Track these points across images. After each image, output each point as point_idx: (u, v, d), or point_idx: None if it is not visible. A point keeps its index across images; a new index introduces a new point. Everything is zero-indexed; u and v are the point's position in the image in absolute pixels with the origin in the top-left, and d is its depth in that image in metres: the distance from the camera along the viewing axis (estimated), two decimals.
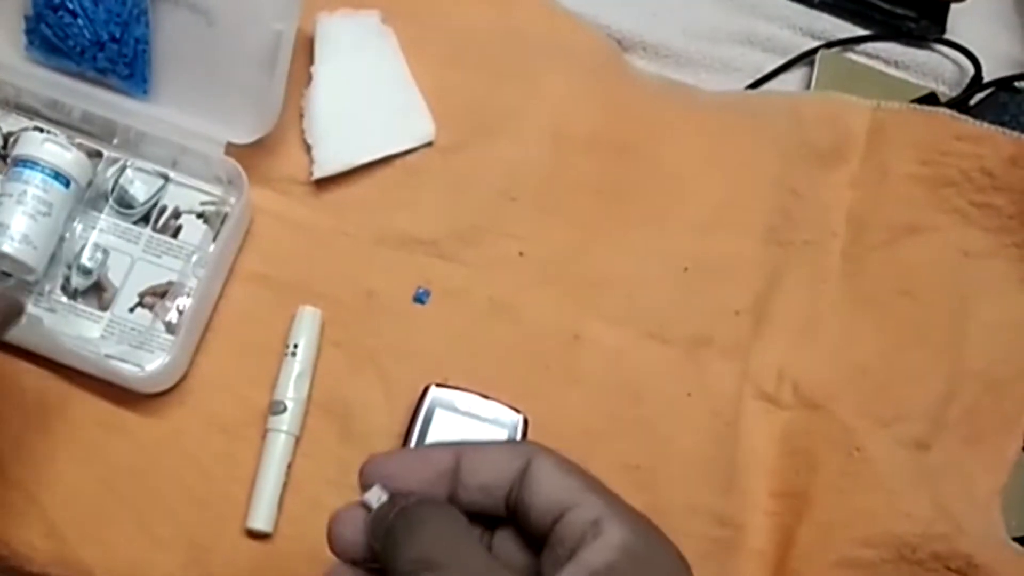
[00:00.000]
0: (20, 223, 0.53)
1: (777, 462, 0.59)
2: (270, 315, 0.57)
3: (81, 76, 0.58)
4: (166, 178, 0.59)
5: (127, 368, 0.54)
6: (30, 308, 0.55)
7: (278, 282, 0.58)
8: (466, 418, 0.55)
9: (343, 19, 0.62)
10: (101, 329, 0.56)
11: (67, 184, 0.55)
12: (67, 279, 0.56)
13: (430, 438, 0.54)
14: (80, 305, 0.56)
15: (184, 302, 0.56)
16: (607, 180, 0.62)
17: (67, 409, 0.54)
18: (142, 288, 0.56)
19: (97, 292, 0.56)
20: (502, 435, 0.54)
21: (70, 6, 0.56)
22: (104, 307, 0.56)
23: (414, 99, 0.61)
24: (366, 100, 0.61)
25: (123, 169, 0.59)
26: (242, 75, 0.57)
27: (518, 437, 0.54)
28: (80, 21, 0.56)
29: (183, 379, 0.55)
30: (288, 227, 0.59)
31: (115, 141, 0.59)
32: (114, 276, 0.57)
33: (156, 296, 0.56)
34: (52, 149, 0.55)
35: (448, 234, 0.60)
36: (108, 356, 0.54)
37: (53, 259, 0.56)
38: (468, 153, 0.61)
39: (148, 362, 0.54)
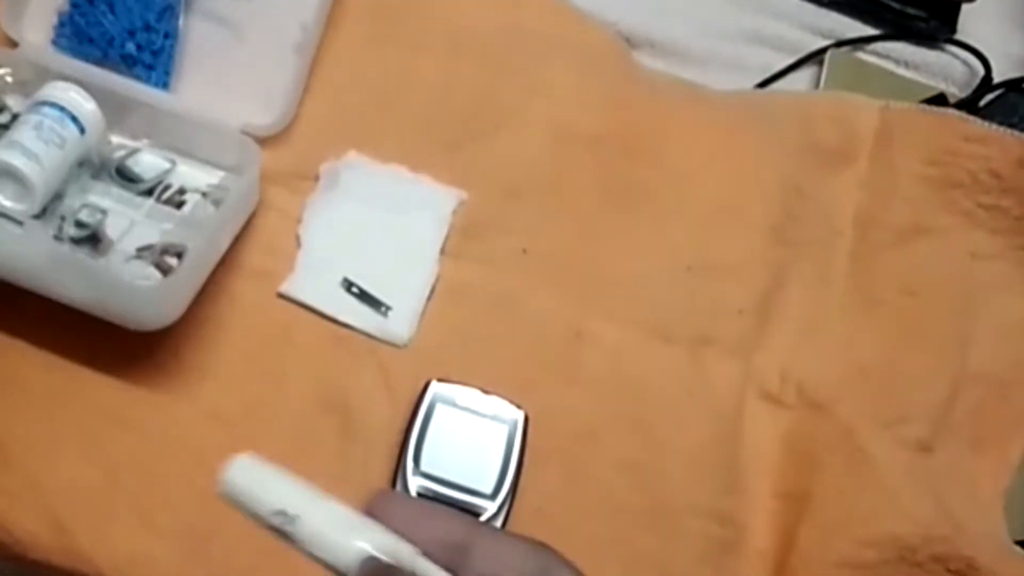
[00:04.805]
0: (32, 143, 0.54)
1: (780, 462, 0.58)
2: (273, 311, 0.57)
3: (103, 67, 0.59)
4: (176, 161, 0.59)
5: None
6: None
7: (281, 279, 0.58)
8: (467, 413, 0.55)
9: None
10: None
11: (82, 131, 0.56)
12: (60, 229, 0.56)
13: (431, 434, 0.54)
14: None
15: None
16: (612, 178, 0.62)
17: (73, 401, 0.54)
18: (140, 244, 0.56)
19: (92, 242, 0.56)
20: (502, 431, 0.55)
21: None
22: (99, 256, 0.55)
23: (424, 191, 0.61)
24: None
25: (135, 151, 0.59)
26: (260, 76, 0.59)
27: (519, 433, 0.55)
28: (116, 14, 0.58)
29: (188, 374, 0.55)
30: (293, 223, 0.59)
31: (130, 121, 0.59)
32: (111, 232, 0.56)
33: (154, 252, 0.55)
34: (74, 96, 0.56)
35: (451, 229, 0.60)
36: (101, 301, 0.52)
37: (50, 210, 0.55)
38: (472, 149, 0.62)
39: (142, 310, 0.52)
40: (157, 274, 0.54)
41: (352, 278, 0.58)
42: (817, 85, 0.71)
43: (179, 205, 0.58)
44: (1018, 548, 0.58)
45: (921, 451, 0.59)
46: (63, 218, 0.56)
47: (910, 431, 0.59)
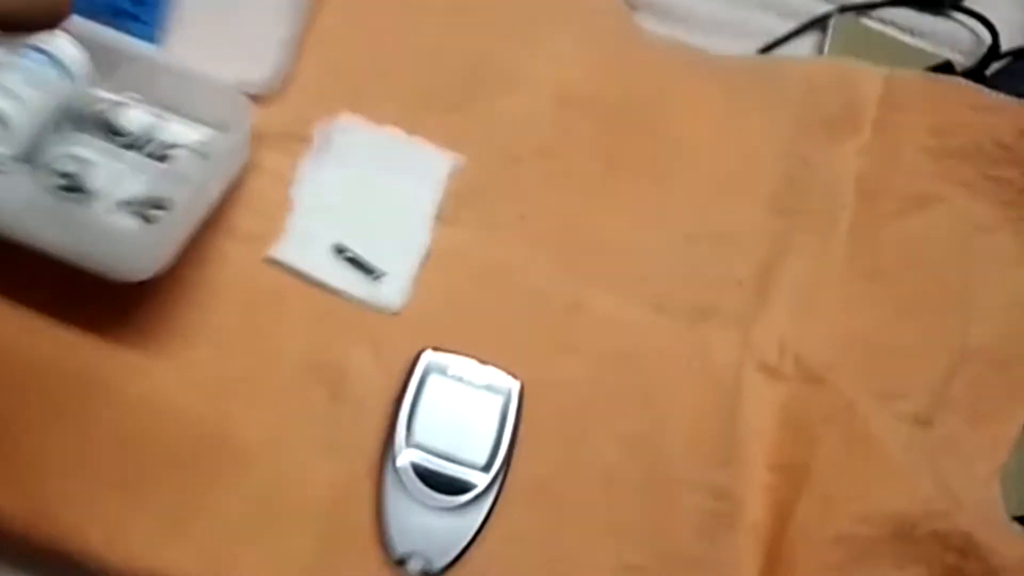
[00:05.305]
0: (14, 84, 0.52)
1: (776, 435, 0.58)
2: (262, 276, 0.56)
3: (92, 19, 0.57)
4: (164, 117, 0.57)
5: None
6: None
7: (270, 243, 0.56)
8: (460, 383, 0.54)
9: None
10: None
11: (67, 77, 0.54)
12: (42, 178, 0.53)
13: (423, 404, 0.53)
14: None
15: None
16: (612, 144, 0.61)
17: (51, 365, 0.53)
18: (124, 196, 0.54)
19: (75, 192, 0.54)
20: (497, 402, 0.53)
21: None
22: (82, 206, 0.54)
23: (420, 155, 0.59)
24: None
25: (121, 104, 0.57)
26: (253, 33, 0.57)
27: (514, 404, 0.54)
28: None
29: (172, 340, 0.54)
30: (283, 186, 0.58)
31: (117, 75, 0.57)
32: (94, 183, 0.54)
33: (138, 203, 0.54)
34: (60, 42, 0.54)
35: (446, 194, 0.58)
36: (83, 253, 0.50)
37: (32, 159, 0.53)
38: (468, 112, 0.60)
39: (124, 257, 0.50)
40: (141, 225, 0.53)
41: (344, 243, 0.56)
42: (821, 51, 0.69)
43: (165, 159, 0.56)
44: (1016, 524, 0.57)
45: (919, 425, 0.58)
46: (45, 167, 0.54)
47: (909, 405, 0.58)
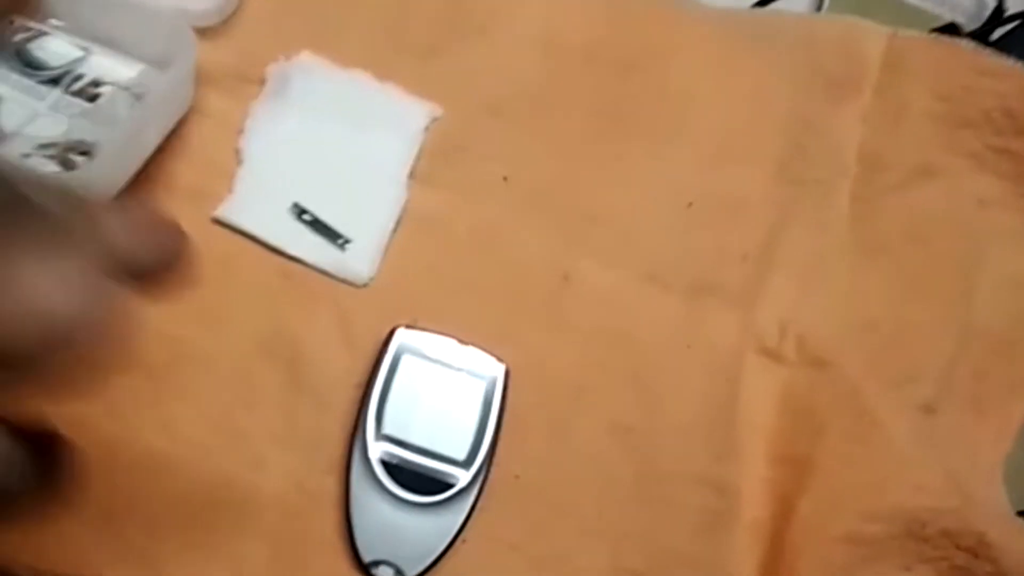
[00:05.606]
0: None
1: (778, 424, 0.53)
2: (208, 239, 0.49)
3: None
4: (91, 49, 0.50)
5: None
6: None
7: (218, 201, 0.50)
8: (439, 367, 0.48)
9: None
10: None
11: None
12: None
13: (396, 390, 0.47)
14: None
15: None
16: (605, 99, 0.56)
17: None
18: (41, 139, 0.47)
19: None
20: (479, 388, 0.48)
21: None
22: None
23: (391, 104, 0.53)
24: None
25: (41, 34, 0.49)
26: None
27: (498, 390, 0.48)
28: None
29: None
30: (232, 135, 0.51)
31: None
32: (6, 123, 0.47)
33: (58, 148, 0.47)
34: None
35: (421, 150, 0.53)
36: None
37: None
38: (445, 60, 0.54)
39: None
40: (61, 172, 0.46)
41: (304, 203, 0.50)
42: (819, 8, 0.65)
43: (92, 99, 0.48)
44: (1021, 520, 0.54)
45: (927, 414, 0.55)
46: None
47: (916, 391, 0.55)
